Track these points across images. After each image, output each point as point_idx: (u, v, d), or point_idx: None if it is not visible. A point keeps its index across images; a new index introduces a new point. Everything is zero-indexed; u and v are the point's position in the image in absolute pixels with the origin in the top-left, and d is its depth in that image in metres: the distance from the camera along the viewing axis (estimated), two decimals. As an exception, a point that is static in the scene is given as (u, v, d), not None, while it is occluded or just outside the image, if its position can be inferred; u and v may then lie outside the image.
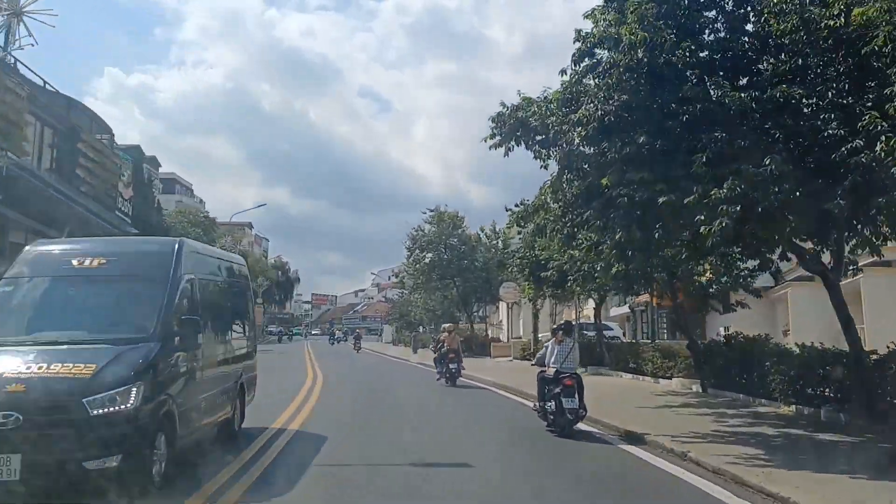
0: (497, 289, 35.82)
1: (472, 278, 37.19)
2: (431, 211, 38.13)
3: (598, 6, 9.51)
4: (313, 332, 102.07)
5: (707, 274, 15.75)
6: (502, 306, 45.52)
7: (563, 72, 9.65)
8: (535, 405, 10.61)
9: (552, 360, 10.07)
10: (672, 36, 8.31)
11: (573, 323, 16.81)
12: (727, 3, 9.42)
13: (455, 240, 37.98)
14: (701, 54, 8.89)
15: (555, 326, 11.71)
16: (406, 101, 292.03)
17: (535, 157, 10.32)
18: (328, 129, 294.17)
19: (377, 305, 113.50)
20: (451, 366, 17.56)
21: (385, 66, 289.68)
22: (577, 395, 9.57)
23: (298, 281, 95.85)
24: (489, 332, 43.55)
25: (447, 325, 23.41)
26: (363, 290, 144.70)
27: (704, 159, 7.75)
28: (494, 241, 38.98)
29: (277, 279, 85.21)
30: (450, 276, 38.03)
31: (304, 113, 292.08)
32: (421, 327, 58.07)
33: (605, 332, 26.29)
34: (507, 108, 10.12)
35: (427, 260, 38.48)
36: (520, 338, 35.84)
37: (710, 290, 16.54)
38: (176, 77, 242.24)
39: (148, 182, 32.61)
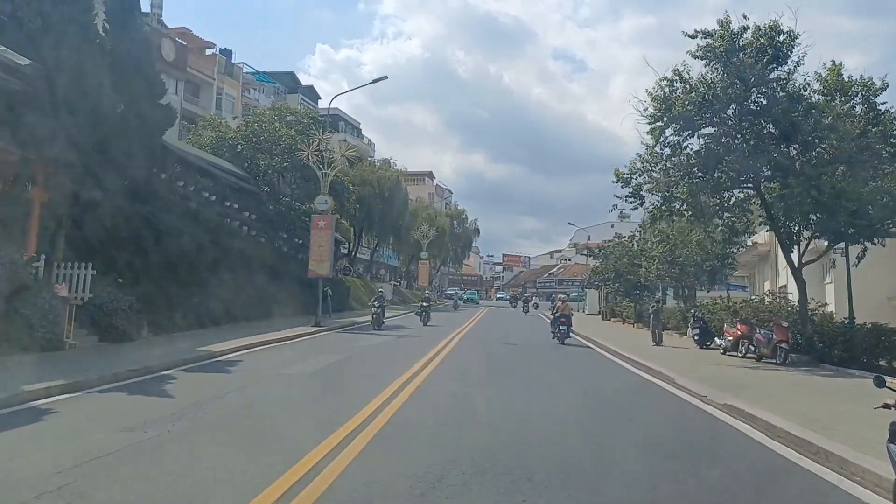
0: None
1: (810, 177, 15.08)
2: (704, 35, 16.71)
3: None
4: (498, 296, 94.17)
5: None
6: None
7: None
8: None
9: None
10: None
11: None
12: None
13: (760, 88, 16.33)
14: None
15: None
16: (601, 60, 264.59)
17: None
18: (522, 93, 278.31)
19: (574, 267, 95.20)
20: (561, 327, 21.51)
21: (579, 25, 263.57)
22: None
23: (478, 233, 78.63)
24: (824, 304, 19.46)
25: (561, 295, 26.62)
26: (559, 252, 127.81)
27: None
28: (847, 104, 17.08)
29: (451, 229, 69.28)
30: (752, 169, 16.44)
31: (499, 77, 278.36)
32: (646, 293, 36.04)
33: None
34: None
35: (695, 147, 17.32)
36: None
37: None
38: (378, 49, 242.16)
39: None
